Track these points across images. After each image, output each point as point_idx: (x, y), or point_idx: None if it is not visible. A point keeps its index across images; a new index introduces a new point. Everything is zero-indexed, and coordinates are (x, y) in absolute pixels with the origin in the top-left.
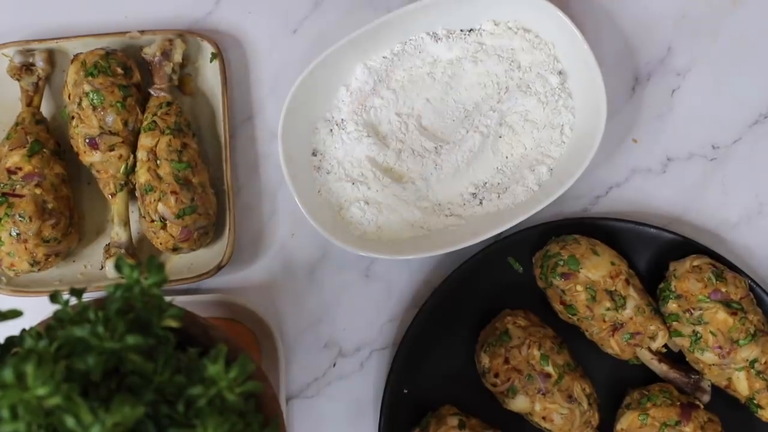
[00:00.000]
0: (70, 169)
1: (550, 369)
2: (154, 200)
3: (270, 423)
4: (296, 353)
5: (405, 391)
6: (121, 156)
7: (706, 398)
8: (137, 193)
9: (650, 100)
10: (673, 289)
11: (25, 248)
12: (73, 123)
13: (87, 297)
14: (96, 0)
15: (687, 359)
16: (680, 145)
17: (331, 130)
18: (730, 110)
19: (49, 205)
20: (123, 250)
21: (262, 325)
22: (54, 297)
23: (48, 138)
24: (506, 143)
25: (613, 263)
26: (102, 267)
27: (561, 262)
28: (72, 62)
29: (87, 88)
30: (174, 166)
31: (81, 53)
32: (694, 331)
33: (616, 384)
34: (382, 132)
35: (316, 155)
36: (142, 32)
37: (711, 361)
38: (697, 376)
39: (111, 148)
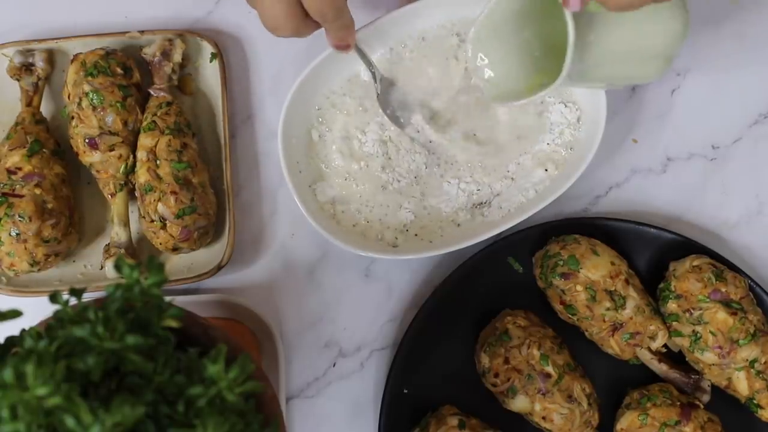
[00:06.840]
0: (70, 169)
1: (550, 369)
2: (154, 200)
3: (270, 423)
4: (296, 353)
5: (405, 391)
6: (120, 156)
7: (706, 398)
8: (137, 193)
9: (650, 100)
10: (673, 289)
11: (25, 248)
12: (73, 123)
13: (87, 297)
14: (96, 0)
15: (687, 359)
16: (680, 145)
17: (332, 130)
18: (730, 110)
19: (49, 205)
20: (123, 250)
21: (262, 325)
22: (54, 297)
23: (48, 138)
24: (506, 142)
25: (613, 263)
26: (102, 267)
27: (561, 262)
28: (72, 62)
29: (87, 88)
30: (174, 166)
31: (81, 53)
32: (694, 331)
33: (616, 384)
34: (382, 132)
35: (315, 155)
36: (142, 32)
37: (711, 361)
38: (697, 376)
39: (111, 148)
